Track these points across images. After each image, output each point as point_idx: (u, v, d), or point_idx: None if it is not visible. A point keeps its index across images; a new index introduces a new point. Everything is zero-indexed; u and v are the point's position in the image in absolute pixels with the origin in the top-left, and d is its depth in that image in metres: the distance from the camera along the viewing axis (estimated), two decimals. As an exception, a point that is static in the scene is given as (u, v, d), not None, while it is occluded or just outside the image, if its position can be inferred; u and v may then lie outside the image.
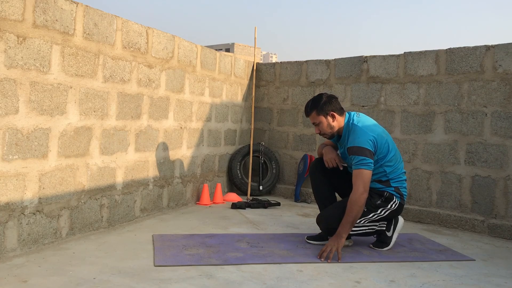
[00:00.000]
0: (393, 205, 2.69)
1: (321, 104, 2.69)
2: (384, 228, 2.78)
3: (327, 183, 2.86)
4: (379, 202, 2.68)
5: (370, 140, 2.57)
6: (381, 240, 2.77)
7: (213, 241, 2.77)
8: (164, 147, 3.53)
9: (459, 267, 2.48)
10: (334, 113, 2.69)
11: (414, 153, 3.73)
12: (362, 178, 2.50)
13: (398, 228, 2.77)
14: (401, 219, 2.80)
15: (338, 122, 2.71)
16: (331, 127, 2.71)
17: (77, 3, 2.68)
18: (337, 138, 2.79)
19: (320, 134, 2.76)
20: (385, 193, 2.69)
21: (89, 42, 2.78)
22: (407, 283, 2.20)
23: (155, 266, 2.29)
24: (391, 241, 2.75)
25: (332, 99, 2.71)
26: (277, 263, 2.41)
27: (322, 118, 2.70)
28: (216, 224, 3.19)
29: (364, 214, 2.65)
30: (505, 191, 3.28)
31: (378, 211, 2.68)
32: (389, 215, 2.71)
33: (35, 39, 2.44)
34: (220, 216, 3.50)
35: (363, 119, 2.70)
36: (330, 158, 2.80)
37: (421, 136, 3.70)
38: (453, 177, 3.51)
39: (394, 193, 2.70)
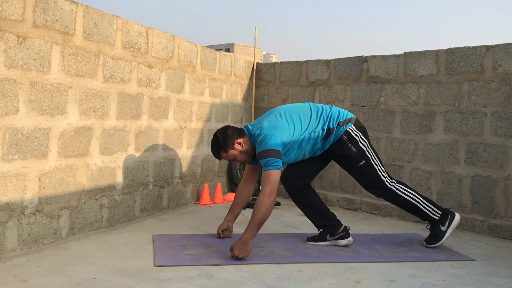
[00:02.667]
0: (354, 135, 2.73)
1: (222, 144, 2.67)
2: (437, 217, 2.77)
3: (307, 196, 2.91)
4: (350, 146, 2.72)
5: (272, 139, 2.55)
6: (435, 234, 2.78)
7: (213, 241, 2.77)
8: (164, 147, 3.53)
9: (459, 267, 2.48)
10: (238, 140, 2.68)
11: (414, 153, 3.73)
12: (269, 179, 2.46)
13: (454, 225, 2.78)
14: (457, 216, 2.80)
15: (245, 143, 2.70)
16: (245, 152, 2.70)
17: (77, 3, 2.68)
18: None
19: (242, 163, 2.76)
20: (343, 137, 2.72)
21: (89, 42, 2.78)
22: (407, 283, 2.20)
23: (155, 266, 2.29)
24: (444, 235, 2.76)
25: (226, 130, 2.70)
26: (277, 263, 2.41)
27: (232, 152, 2.68)
28: (216, 224, 3.19)
29: (370, 170, 2.72)
30: (505, 191, 3.28)
31: (366, 153, 2.73)
32: (369, 146, 2.76)
33: (35, 39, 2.44)
34: (220, 216, 3.49)
35: (256, 123, 2.71)
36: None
37: (421, 136, 3.70)
38: (453, 177, 3.51)
39: (342, 127, 2.71)
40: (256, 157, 2.66)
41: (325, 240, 2.80)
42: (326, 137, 2.72)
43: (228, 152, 2.68)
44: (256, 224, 2.44)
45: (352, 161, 2.75)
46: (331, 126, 2.71)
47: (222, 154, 2.70)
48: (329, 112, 2.75)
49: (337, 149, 2.75)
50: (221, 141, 2.67)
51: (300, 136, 2.67)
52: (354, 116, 2.82)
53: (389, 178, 2.80)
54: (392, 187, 2.77)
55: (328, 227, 2.80)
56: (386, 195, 2.79)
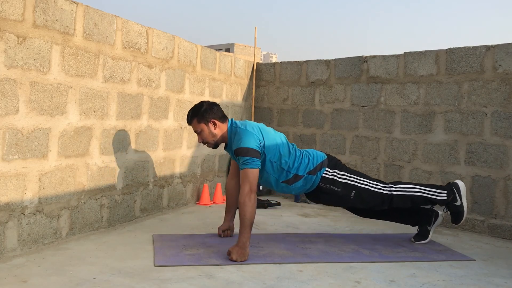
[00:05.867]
0: (331, 177, 2.73)
1: (201, 112, 2.66)
2: (445, 197, 2.80)
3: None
4: (333, 188, 2.73)
5: (255, 140, 2.56)
6: (456, 211, 2.82)
7: (213, 241, 2.77)
8: (164, 147, 3.53)
9: (459, 267, 2.48)
10: (216, 121, 2.66)
11: (414, 153, 3.73)
12: (248, 177, 2.47)
13: (463, 192, 2.82)
14: (460, 183, 2.84)
15: (220, 129, 2.69)
16: (213, 135, 2.68)
17: (77, 3, 2.68)
18: (225, 145, 2.77)
19: (203, 143, 2.73)
20: (320, 185, 2.74)
21: (89, 42, 2.78)
22: (407, 283, 2.20)
23: (155, 266, 2.29)
24: (463, 208, 2.80)
25: (213, 106, 2.69)
26: (277, 263, 2.41)
27: (203, 126, 2.67)
28: (216, 224, 3.19)
29: (364, 194, 2.74)
30: (505, 191, 3.28)
31: (350, 183, 2.74)
32: (348, 175, 2.76)
33: (35, 39, 2.44)
34: (220, 216, 3.49)
35: (247, 123, 2.70)
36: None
37: (421, 136, 3.70)
38: (453, 177, 3.51)
39: (315, 176, 2.72)
40: (232, 151, 2.66)
41: (429, 232, 2.92)
42: (291, 182, 2.71)
43: (200, 124, 2.67)
44: (246, 226, 2.44)
45: (343, 198, 2.76)
46: (299, 174, 2.71)
47: (194, 121, 2.69)
48: (300, 158, 2.74)
49: (324, 197, 2.79)
50: (202, 110, 2.67)
51: (274, 157, 2.66)
52: (325, 157, 2.80)
53: (383, 185, 2.80)
54: (392, 192, 2.77)
55: (421, 222, 2.94)
56: (393, 201, 2.77)
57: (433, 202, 2.81)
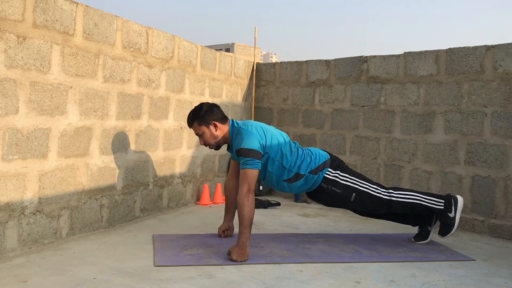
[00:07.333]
0: (333, 177, 2.72)
1: (201, 114, 2.66)
2: (442, 207, 2.79)
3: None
4: (334, 189, 2.72)
5: (257, 140, 2.55)
6: (446, 222, 2.81)
7: (213, 241, 2.77)
8: (164, 147, 3.53)
9: (459, 267, 2.48)
10: (216, 122, 2.66)
11: (414, 153, 3.73)
12: (247, 177, 2.47)
13: (460, 207, 2.81)
14: (460, 198, 2.83)
15: (221, 131, 2.68)
16: (215, 137, 2.68)
17: (77, 3, 2.68)
18: (227, 146, 2.77)
19: (205, 145, 2.73)
20: (322, 185, 2.73)
21: (89, 42, 2.78)
22: (407, 283, 2.20)
23: (155, 266, 2.29)
24: (455, 221, 2.79)
25: (213, 108, 2.69)
26: (277, 263, 2.41)
27: (204, 129, 2.67)
28: (216, 224, 3.19)
29: (364, 197, 2.73)
30: (505, 191, 3.28)
31: (352, 186, 2.72)
32: (349, 177, 2.75)
33: (35, 39, 2.44)
34: (220, 216, 3.49)
35: (248, 123, 2.69)
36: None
37: (421, 136, 3.70)
38: (453, 177, 3.51)
39: (317, 175, 2.71)
40: (234, 151, 2.65)
41: (429, 233, 2.92)
42: (292, 181, 2.71)
43: (201, 126, 2.67)
44: (246, 226, 2.43)
45: (343, 199, 2.75)
46: (301, 173, 2.70)
47: (195, 124, 2.69)
48: (302, 156, 2.72)
49: (324, 197, 2.79)
50: (202, 112, 2.67)
51: (276, 156, 2.66)
52: (328, 157, 2.78)
53: (383, 190, 2.80)
54: (392, 198, 2.77)
55: (422, 222, 2.94)
56: (392, 206, 2.77)
57: (431, 210, 2.82)
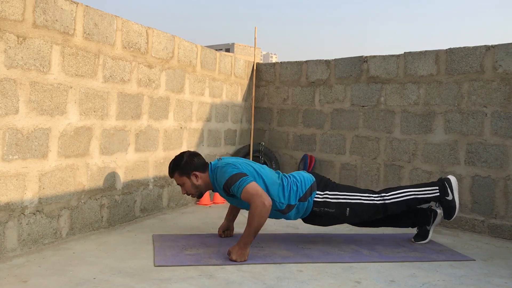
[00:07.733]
0: (322, 200, 2.68)
1: (181, 165, 2.65)
2: (437, 193, 2.80)
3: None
4: (327, 210, 2.69)
5: (235, 166, 2.53)
6: (447, 206, 2.81)
7: (213, 241, 2.77)
8: (164, 147, 3.53)
9: (459, 267, 2.48)
10: (197, 173, 2.64)
11: (414, 153, 3.73)
12: (252, 194, 2.39)
13: (455, 187, 2.82)
14: (452, 178, 2.85)
15: (202, 179, 2.66)
16: (196, 187, 2.67)
17: (77, 3, 2.68)
18: (213, 190, 2.74)
19: (187, 194, 2.72)
20: (314, 209, 2.69)
21: (89, 42, 2.78)
22: (407, 283, 2.20)
23: (155, 266, 2.30)
24: (455, 202, 2.79)
25: (193, 158, 2.67)
26: (277, 263, 2.41)
27: (185, 179, 2.66)
28: (216, 224, 3.19)
29: (358, 208, 2.72)
30: (505, 191, 3.28)
31: (343, 202, 2.70)
32: (339, 194, 2.73)
33: (35, 39, 2.44)
34: (220, 216, 3.49)
35: (223, 158, 2.67)
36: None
37: (421, 136, 3.70)
38: (453, 177, 3.51)
39: (306, 202, 2.66)
40: (221, 190, 2.61)
41: (428, 232, 2.92)
42: (285, 212, 2.66)
43: (182, 177, 2.66)
44: (252, 232, 2.41)
45: (339, 217, 2.73)
46: (291, 203, 2.66)
47: (176, 175, 2.69)
48: (288, 186, 2.67)
49: (320, 221, 2.77)
50: (182, 163, 2.65)
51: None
52: (313, 180, 2.73)
53: (374, 195, 2.78)
54: (385, 201, 2.76)
55: (420, 222, 2.95)
56: (387, 210, 2.77)
57: (427, 200, 2.83)
